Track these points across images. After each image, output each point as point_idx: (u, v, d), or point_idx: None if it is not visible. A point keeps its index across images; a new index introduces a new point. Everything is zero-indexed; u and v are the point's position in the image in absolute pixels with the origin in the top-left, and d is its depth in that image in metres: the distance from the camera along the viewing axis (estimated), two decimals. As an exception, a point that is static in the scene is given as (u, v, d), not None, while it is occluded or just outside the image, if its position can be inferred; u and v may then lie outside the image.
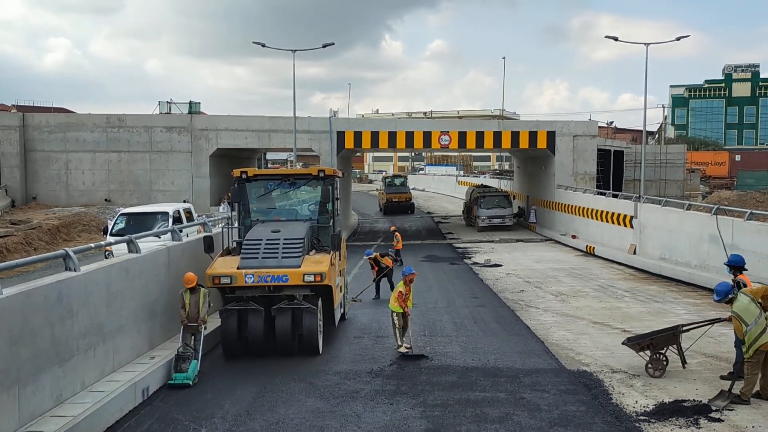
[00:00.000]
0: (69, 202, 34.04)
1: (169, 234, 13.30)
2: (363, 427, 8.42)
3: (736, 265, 10.35)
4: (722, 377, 10.07)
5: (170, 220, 19.26)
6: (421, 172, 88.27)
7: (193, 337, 10.67)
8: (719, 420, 8.44)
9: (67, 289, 8.50)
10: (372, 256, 17.64)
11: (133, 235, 11.44)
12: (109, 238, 17.53)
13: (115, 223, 19.94)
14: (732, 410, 8.76)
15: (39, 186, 34.52)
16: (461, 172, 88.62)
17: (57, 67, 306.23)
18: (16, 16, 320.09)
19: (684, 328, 10.65)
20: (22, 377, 7.50)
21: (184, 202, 26.15)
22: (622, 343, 10.92)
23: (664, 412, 8.73)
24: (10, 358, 7.30)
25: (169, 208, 20.64)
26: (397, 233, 22.31)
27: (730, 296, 9.24)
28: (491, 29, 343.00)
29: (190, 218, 20.43)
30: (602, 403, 9.16)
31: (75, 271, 8.84)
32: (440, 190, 74.11)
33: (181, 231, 13.73)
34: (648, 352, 10.40)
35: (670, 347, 10.44)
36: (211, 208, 32.11)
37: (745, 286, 10.03)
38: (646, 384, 9.91)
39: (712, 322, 10.86)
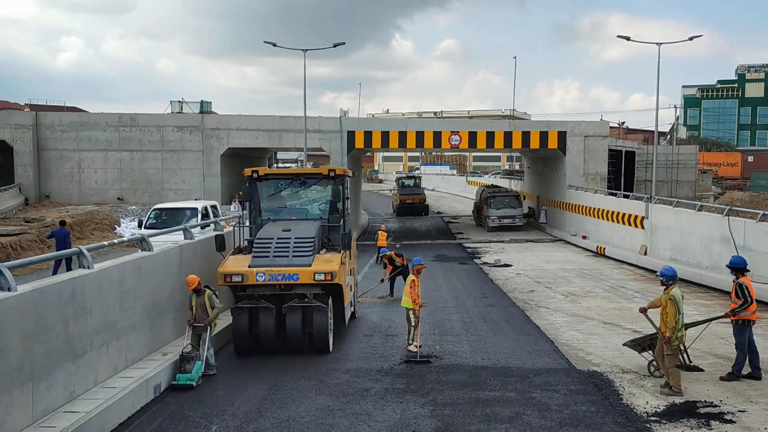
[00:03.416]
0: (81, 200, 34.32)
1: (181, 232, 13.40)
2: (373, 425, 8.45)
3: (738, 267, 10.30)
4: (722, 378, 10.05)
5: (199, 216, 20.38)
6: (417, 171, 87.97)
7: (199, 338, 10.62)
8: (731, 421, 8.41)
9: (81, 287, 8.57)
10: (387, 254, 17.68)
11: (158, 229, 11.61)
12: (126, 234, 18.06)
13: (148, 218, 21.19)
14: (744, 411, 8.73)
15: (52, 184, 34.83)
16: (454, 172, 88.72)
17: (70, 66, 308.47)
18: (29, 16, 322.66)
19: (686, 327, 10.63)
20: (35, 373, 7.58)
21: (196, 200, 26.32)
22: (624, 344, 10.93)
23: (675, 413, 8.71)
24: (24, 354, 7.38)
25: (198, 204, 21.92)
26: (380, 232, 22.58)
27: (673, 281, 9.65)
28: (501, 29, 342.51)
29: (216, 214, 21.67)
30: (613, 403, 9.14)
31: (89, 268, 8.92)
32: (450, 189, 74.05)
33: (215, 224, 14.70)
34: (650, 353, 10.40)
35: None
36: (222, 207, 32.24)
37: (747, 288, 10.00)
38: (656, 384, 9.87)
39: (710, 320, 10.87)
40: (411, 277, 12.13)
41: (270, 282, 11.27)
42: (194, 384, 9.90)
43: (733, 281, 10.27)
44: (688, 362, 10.51)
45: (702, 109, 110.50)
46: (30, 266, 14.89)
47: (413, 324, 11.77)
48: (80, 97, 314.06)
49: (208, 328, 10.64)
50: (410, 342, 11.79)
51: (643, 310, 10.28)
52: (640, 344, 10.57)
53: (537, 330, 13.57)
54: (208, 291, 10.73)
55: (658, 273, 10.03)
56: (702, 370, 10.40)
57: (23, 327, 7.39)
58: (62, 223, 20.08)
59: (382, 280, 17.83)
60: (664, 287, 9.74)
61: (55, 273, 16.14)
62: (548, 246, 29.42)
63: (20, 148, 34.41)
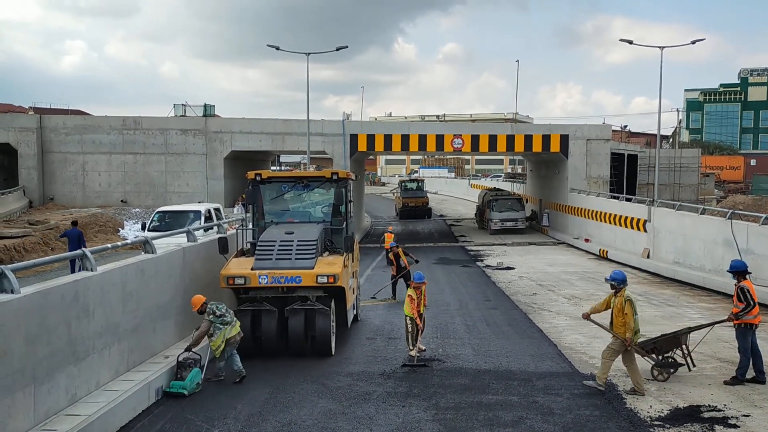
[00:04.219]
0: (85, 203, 34.40)
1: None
2: (375, 429, 8.42)
3: (738, 271, 10.27)
4: (726, 383, 10.03)
5: (202, 219, 20.51)
6: (415, 174, 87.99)
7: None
8: (735, 426, 8.37)
9: (84, 289, 8.57)
10: (394, 249, 17.59)
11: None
12: (130, 237, 18.11)
13: (151, 220, 21.28)
14: (748, 416, 8.69)
15: (56, 187, 34.91)
16: (452, 174, 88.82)
17: (73, 69, 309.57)
18: (33, 19, 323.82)
19: (690, 330, 10.62)
20: (38, 376, 7.56)
21: (199, 203, 26.37)
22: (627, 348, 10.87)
23: (679, 417, 8.68)
24: (26, 356, 7.37)
25: (202, 207, 22.09)
26: (386, 234, 22.40)
27: (622, 285, 9.83)
28: (504, 32, 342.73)
29: (219, 217, 21.75)
30: (616, 407, 9.11)
31: (92, 271, 8.92)
32: (452, 192, 74.07)
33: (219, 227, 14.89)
34: (654, 356, 10.38)
35: (676, 350, 10.41)
36: (226, 209, 32.28)
37: (749, 292, 9.98)
38: (660, 389, 9.84)
39: (713, 324, 10.84)
40: (409, 292, 11.91)
41: (272, 284, 11.28)
42: (186, 393, 9.60)
43: (735, 285, 10.25)
44: (692, 365, 10.49)
45: (704, 112, 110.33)
46: (33, 268, 14.93)
47: (411, 330, 11.70)
48: (84, 100, 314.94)
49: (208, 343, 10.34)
50: (411, 348, 11.77)
51: (586, 316, 10.29)
52: (643, 347, 10.54)
53: (540, 333, 13.54)
54: (205, 314, 10.24)
55: (606, 277, 10.23)
56: (677, 366, 10.36)
57: (26, 329, 7.39)
58: (74, 223, 20.32)
59: (393, 277, 17.74)
60: (614, 290, 9.89)
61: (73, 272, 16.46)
62: (551, 249, 29.39)
63: (24, 151, 34.49)
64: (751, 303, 9.95)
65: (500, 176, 74.20)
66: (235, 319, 10.51)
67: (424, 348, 12.03)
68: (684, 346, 10.45)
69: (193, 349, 10.19)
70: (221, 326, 10.17)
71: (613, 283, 9.90)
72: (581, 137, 32.64)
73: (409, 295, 11.80)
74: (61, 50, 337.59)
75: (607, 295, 10.07)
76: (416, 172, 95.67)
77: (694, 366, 10.48)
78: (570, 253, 27.75)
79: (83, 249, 9.25)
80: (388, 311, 16.02)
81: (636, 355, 9.90)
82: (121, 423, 8.45)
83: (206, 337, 10.29)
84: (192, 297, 10.72)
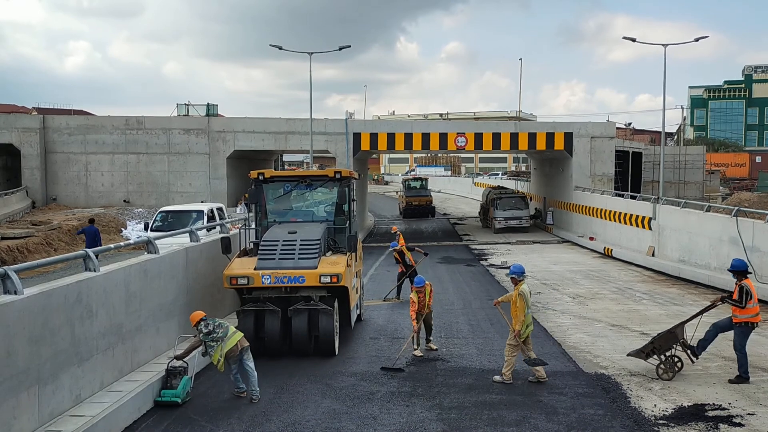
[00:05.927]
0: (88, 203, 34.47)
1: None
2: (379, 429, 8.41)
3: (738, 270, 10.26)
4: (730, 381, 10.01)
5: (205, 218, 20.55)
6: (413, 173, 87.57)
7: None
8: (740, 424, 8.34)
9: (87, 290, 8.57)
10: (397, 248, 17.47)
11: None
12: (133, 237, 18.23)
13: (154, 220, 21.37)
14: (753, 414, 8.65)
15: (59, 187, 34.97)
16: (449, 173, 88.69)
17: (77, 70, 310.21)
18: (37, 21, 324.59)
19: (683, 323, 10.60)
20: (42, 377, 7.58)
21: (202, 203, 26.40)
22: (628, 355, 10.86)
23: (684, 416, 8.65)
24: (30, 357, 7.38)
25: (204, 207, 22.18)
26: (399, 233, 22.16)
27: (522, 277, 10.22)
28: (506, 31, 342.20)
29: (222, 217, 21.78)
30: (620, 406, 9.08)
31: (95, 271, 8.92)
32: (456, 191, 74.00)
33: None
34: (656, 357, 10.36)
35: (676, 346, 10.39)
36: (228, 209, 32.29)
37: (749, 291, 9.99)
38: (664, 387, 9.81)
39: (701, 312, 10.82)
40: (411, 295, 11.93)
41: (275, 284, 11.27)
42: (180, 401, 9.29)
43: (736, 284, 10.27)
44: (693, 359, 10.50)
45: (709, 109, 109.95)
46: (36, 269, 14.94)
47: (416, 330, 11.72)
48: (87, 101, 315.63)
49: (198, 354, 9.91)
50: (415, 347, 11.76)
51: (497, 303, 10.82)
52: (643, 351, 10.53)
53: (544, 332, 13.50)
54: (198, 331, 9.62)
55: (507, 273, 10.44)
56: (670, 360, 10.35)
57: (30, 330, 7.40)
58: (91, 221, 20.62)
59: (400, 275, 17.54)
60: (514, 284, 10.25)
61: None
62: (555, 247, 29.33)
63: (27, 152, 34.57)
64: (743, 305, 9.97)
65: (498, 174, 74.08)
66: (230, 332, 9.59)
67: (435, 348, 12.04)
68: (682, 341, 10.42)
69: (184, 359, 9.70)
70: (213, 343, 9.46)
71: (514, 276, 10.27)
72: (585, 135, 32.54)
73: (411, 299, 11.84)
74: (65, 51, 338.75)
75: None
76: (413, 170, 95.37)
77: (696, 358, 10.47)
78: (575, 252, 27.69)
79: (86, 249, 9.26)
80: (391, 311, 16.01)
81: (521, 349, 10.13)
82: (125, 423, 8.46)
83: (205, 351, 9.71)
84: (194, 311, 10.02)
